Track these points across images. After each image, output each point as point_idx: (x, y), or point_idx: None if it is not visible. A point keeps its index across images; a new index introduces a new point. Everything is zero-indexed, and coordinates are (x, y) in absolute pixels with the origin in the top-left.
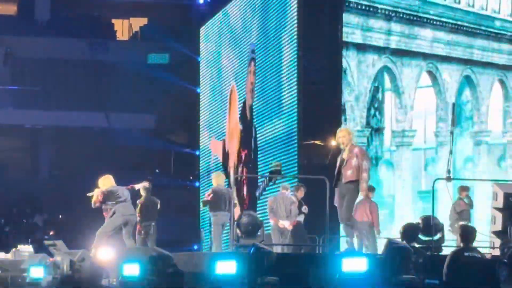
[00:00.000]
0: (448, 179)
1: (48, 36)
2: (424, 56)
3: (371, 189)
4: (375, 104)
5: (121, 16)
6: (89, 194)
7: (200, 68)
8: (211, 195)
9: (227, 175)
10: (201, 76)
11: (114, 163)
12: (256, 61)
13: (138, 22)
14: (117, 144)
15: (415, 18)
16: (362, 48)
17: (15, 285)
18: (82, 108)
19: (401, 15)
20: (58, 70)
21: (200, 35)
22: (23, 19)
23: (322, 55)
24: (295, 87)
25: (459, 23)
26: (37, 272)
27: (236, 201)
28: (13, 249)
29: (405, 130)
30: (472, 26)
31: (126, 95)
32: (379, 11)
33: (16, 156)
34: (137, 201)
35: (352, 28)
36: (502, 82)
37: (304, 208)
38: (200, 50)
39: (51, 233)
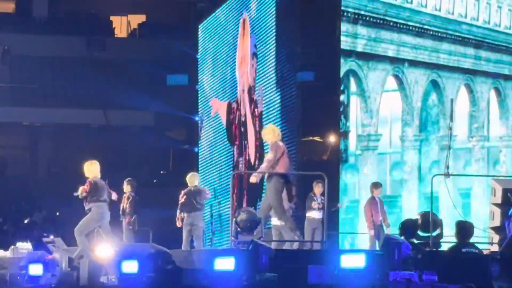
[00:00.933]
0: (447, 175)
1: (46, 34)
2: (390, 60)
3: (377, 186)
4: (340, 108)
5: (119, 13)
6: (76, 194)
7: (198, 66)
8: (184, 197)
9: (232, 142)
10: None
11: (113, 161)
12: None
13: (137, 19)
14: (115, 142)
15: (381, 22)
16: None
17: (14, 282)
18: (80, 106)
19: (367, 19)
20: (56, 67)
21: (199, 32)
22: (21, 16)
23: (320, 51)
24: (294, 83)
25: (426, 27)
26: (36, 270)
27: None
28: (12, 247)
29: (370, 134)
30: (438, 30)
31: (125, 92)
32: (345, 14)
33: (15, 153)
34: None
35: None
36: (468, 87)
37: (294, 203)
38: (199, 47)
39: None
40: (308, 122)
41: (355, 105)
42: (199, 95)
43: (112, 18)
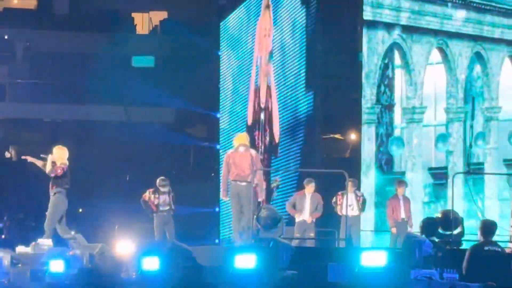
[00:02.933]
0: (468, 172)
1: (67, 30)
2: (434, 32)
3: (401, 184)
4: (385, 81)
5: (140, 9)
6: (43, 156)
7: (221, 62)
8: None
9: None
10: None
11: (133, 157)
12: (274, 55)
13: (158, 16)
14: (136, 138)
15: None
16: (372, 25)
17: (35, 278)
18: (101, 102)
19: None
20: (77, 64)
21: (221, 29)
22: (42, 13)
23: (341, 49)
24: (315, 81)
25: None
26: (56, 266)
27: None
28: (33, 243)
29: (415, 107)
30: (482, 2)
31: (145, 89)
32: None
33: (36, 150)
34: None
35: (363, 5)
36: None
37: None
38: (220, 44)
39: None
40: (329, 119)
41: (399, 78)
42: (220, 92)
43: (133, 14)
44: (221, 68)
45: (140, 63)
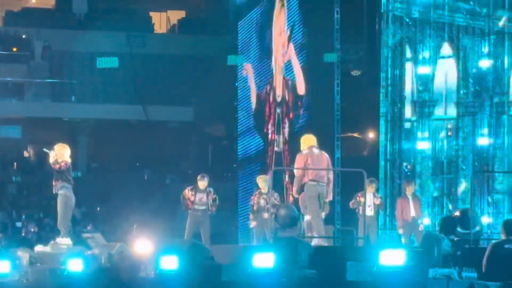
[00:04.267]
0: (486, 171)
1: (86, 30)
2: (446, 26)
3: (409, 182)
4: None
5: (159, 9)
6: (46, 150)
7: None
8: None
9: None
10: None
11: (152, 156)
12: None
13: (176, 15)
14: (155, 137)
15: None
16: (383, 18)
17: (54, 277)
18: (120, 101)
19: None
20: (96, 63)
21: (239, 28)
22: (61, 12)
23: (360, 48)
24: (334, 79)
25: None
26: (75, 265)
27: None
28: (52, 242)
29: (426, 100)
30: None
31: (164, 88)
32: None
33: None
34: None
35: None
36: None
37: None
38: (238, 43)
39: (89, 227)
40: (348, 118)
41: (410, 71)
42: (238, 91)
43: (151, 14)
44: (239, 67)
45: (103, 65)
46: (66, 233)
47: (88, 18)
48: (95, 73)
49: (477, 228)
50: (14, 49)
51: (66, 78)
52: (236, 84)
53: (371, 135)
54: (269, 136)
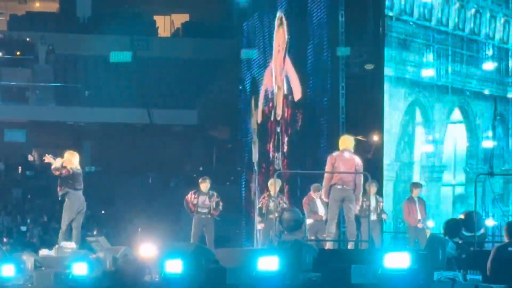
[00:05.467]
0: (490, 174)
1: (90, 33)
2: (456, 91)
3: (417, 186)
4: (405, 138)
5: (162, 12)
6: (48, 156)
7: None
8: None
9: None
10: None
11: (156, 159)
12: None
13: (180, 19)
14: (159, 140)
15: (448, 53)
16: (394, 81)
17: (58, 281)
18: (124, 105)
19: (435, 49)
20: (100, 67)
21: (244, 30)
22: (65, 16)
23: (364, 51)
24: (338, 82)
25: (491, 62)
26: (80, 269)
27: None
28: (56, 246)
29: (435, 165)
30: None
31: (168, 91)
32: (414, 44)
33: (59, 152)
34: None
35: (386, 60)
36: None
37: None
38: (243, 45)
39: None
40: (352, 121)
41: (420, 135)
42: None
43: (155, 17)
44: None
45: (116, 59)
46: (61, 237)
47: (92, 22)
48: (100, 77)
49: (482, 230)
50: (18, 53)
51: (70, 82)
52: (240, 87)
53: (375, 137)
54: (270, 155)
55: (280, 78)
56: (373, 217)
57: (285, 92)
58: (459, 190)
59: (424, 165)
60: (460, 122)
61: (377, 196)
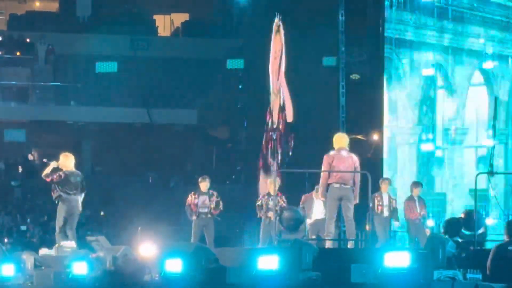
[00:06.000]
0: (491, 173)
1: (90, 33)
2: (477, 54)
3: (417, 185)
4: (427, 102)
5: (162, 12)
6: (45, 161)
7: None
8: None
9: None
10: None
11: (156, 159)
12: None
13: (180, 18)
14: (158, 140)
15: (468, 16)
16: (415, 45)
17: (58, 280)
18: (124, 104)
19: (454, 13)
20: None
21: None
22: (64, 16)
23: (364, 50)
24: (338, 82)
25: None
26: (80, 268)
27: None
28: (56, 245)
29: (457, 128)
30: None
31: (168, 91)
32: (432, 8)
33: (58, 152)
34: None
35: (405, 25)
36: None
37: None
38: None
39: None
40: (352, 120)
41: (441, 99)
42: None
43: (155, 17)
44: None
45: (101, 69)
46: (58, 238)
47: (92, 22)
48: (99, 77)
49: (482, 229)
50: (18, 53)
51: (70, 81)
52: (240, 87)
53: (375, 137)
54: (268, 160)
55: (276, 87)
56: (386, 213)
57: (281, 103)
58: (482, 151)
59: (447, 128)
60: (481, 84)
61: (390, 194)
